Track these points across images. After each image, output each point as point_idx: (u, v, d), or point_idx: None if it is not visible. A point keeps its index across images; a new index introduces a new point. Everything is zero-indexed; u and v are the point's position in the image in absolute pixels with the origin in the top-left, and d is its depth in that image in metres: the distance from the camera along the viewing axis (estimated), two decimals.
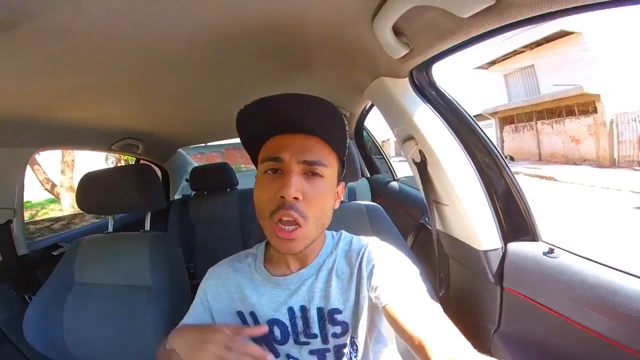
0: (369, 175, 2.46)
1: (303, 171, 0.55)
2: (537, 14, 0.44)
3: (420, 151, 0.88)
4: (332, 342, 0.61)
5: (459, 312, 0.94)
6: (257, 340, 0.62)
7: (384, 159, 2.47)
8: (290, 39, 0.74)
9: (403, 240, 1.02)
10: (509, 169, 0.83)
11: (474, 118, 0.86)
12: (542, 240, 0.81)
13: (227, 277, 0.67)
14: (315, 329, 0.61)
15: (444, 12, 0.51)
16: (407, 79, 0.83)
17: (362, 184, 2.36)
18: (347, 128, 0.59)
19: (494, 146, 0.84)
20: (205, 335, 0.55)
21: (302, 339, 0.61)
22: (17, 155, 1.27)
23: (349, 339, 0.61)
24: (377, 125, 2.38)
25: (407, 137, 0.91)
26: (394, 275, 0.58)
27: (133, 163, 2.44)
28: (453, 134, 0.83)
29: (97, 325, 0.98)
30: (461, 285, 1.01)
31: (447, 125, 0.83)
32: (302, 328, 0.61)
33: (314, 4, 0.59)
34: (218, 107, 1.34)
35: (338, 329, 0.60)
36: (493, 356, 0.42)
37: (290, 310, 0.61)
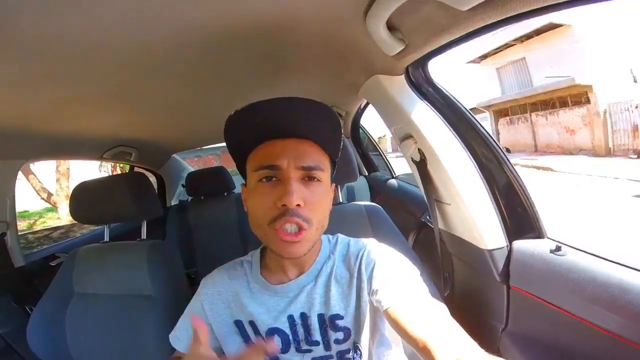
0: (367, 174, 2.45)
1: (301, 177, 0.54)
2: (540, 6, 0.42)
3: (419, 150, 0.86)
4: (335, 349, 0.60)
5: (465, 311, 0.93)
6: None
7: (381, 156, 2.46)
8: (281, 39, 0.72)
9: (405, 241, 1.00)
10: (510, 164, 0.81)
11: (472, 113, 0.84)
12: (547, 237, 0.79)
13: (222, 286, 0.65)
14: (317, 336, 0.60)
15: (441, 5, 0.48)
16: (403, 76, 0.81)
17: (360, 183, 2.34)
18: (342, 129, 0.57)
19: (494, 141, 0.83)
20: None
21: (304, 346, 0.60)
22: (6, 167, 1.25)
23: (351, 344, 0.60)
24: (371, 122, 2.38)
25: (405, 135, 0.89)
26: (394, 277, 0.57)
27: (127, 171, 2.41)
28: (452, 131, 0.81)
29: (100, 335, 0.98)
30: (466, 284, 1.00)
31: (445, 122, 0.81)
32: (304, 336, 0.60)
33: (305, 2, 0.57)
34: (211, 112, 1.32)
35: (340, 335, 0.59)
36: (502, 356, 0.41)
37: (291, 318, 0.60)
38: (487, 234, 0.79)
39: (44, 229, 7.07)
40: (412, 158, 0.91)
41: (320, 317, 0.59)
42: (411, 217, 1.49)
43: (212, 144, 2.23)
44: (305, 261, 0.62)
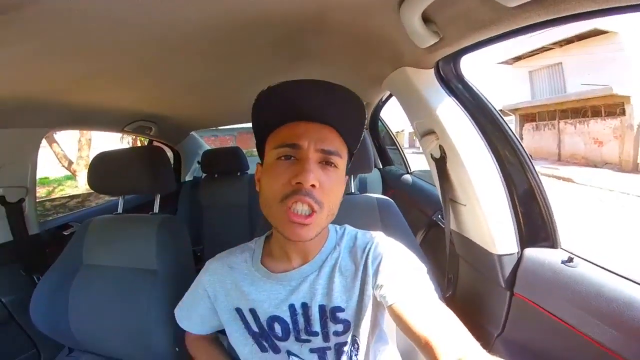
0: (381, 167, 2.42)
1: (319, 160, 0.54)
2: (595, 9, 0.39)
3: (440, 146, 0.84)
4: (333, 340, 0.60)
5: (462, 313, 0.92)
6: (258, 336, 0.61)
7: (399, 150, 2.42)
8: (309, 25, 0.70)
9: (413, 238, 0.99)
10: (535, 171, 0.79)
11: (502, 116, 0.81)
12: (561, 248, 0.77)
13: (221, 274, 0.66)
14: (317, 327, 0.59)
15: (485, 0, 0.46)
16: (432, 70, 0.78)
17: (373, 176, 2.32)
18: (365, 121, 0.56)
19: (522, 146, 0.80)
20: None
21: (303, 336, 0.60)
22: (31, 135, 1.27)
23: (350, 337, 0.59)
24: (388, 116, 2.35)
25: (427, 131, 0.87)
26: (401, 273, 0.56)
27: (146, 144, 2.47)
28: (478, 130, 0.79)
29: (101, 308, 0.99)
30: (469, 287, 0.99)
31: (472, 120, 0.79)
32: (303, 325, 0.60)
33: None
34: (232, 92, 1.32)
35: (340, 327, 0.59)
36: None
37: (292, 307, 0.60)
38: (499, 239, 0.78)
39: (61, 197, 7.33)
40: (431, 154, 0.89)
41: (321, 308, 0.59)
42: (422, 214, 1.47)
43: (230, 124, 2.24)
44: (310, 250, 0.61)
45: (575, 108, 10.24)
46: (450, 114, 0.79)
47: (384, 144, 2.46)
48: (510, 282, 0.78)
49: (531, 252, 0.77)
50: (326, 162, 0.54)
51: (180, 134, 2.28)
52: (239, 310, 0.63)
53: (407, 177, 1.98)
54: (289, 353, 0.61)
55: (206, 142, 2.82)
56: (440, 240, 1.02)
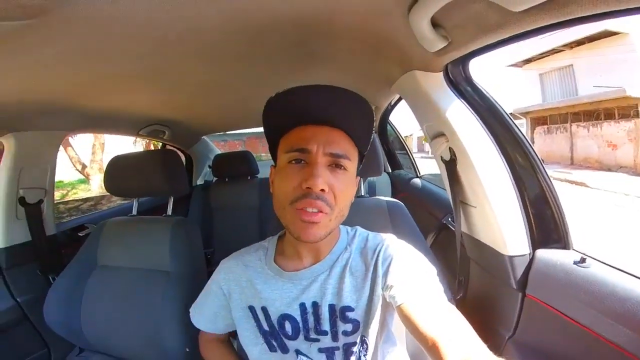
0: (390, 171, 2.42)
1: (328, 163, 0.55)
2: (602, 11, 0.40)
3: (450, 149, 0.85)
4: (342, 340, 0.60)
5: (474, 316, 0.91)
6: (268, 335, 0.62)
7: (408, 154, 2.41)
8: (318, 29, 0.72)
9: (423, 241, 0.99)
10: (545, 172, 0.79)
11: (512, 118, 0.82)
12: (573, 249, 0.77)
13: (237, 272, 0.67)
14: (326, 326, 0.60)
15: (492, 4, 0.47)
16: (441, 73, 0.79)
17: (382, 179, 2.32)
18: (374, 123, 0.58)
19: (532, 148, 0.80)
20: None
21: (313, 335, 0.61)
22: (50, 137, 1.31)
23: (359, 337, 0.60)
24: (397, 121, 2.36)
25: (437, 133, 0.87)
26: (411, 274, 0.57)
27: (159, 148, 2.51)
28: (488, 132, 0.79)
29: (113, 308, 1.00)
30: (480, 289, 0.98)
31: (481, 122, 0.79)
32: (313, 324, 0.61)
33: None
34: (242, 97, 1.34)
35: (349, 327, 0.60)
36: None
37: (302, 306, 0.61)
38: (511, 240, 0.78)
39: (75, 200, 7.49)
40: (441, 157, 0.89)
41: (331, 307, 0.60)
42: (432, 217, 1.47)
43: (241, 129, 2.27)
44: (321, 250, 0.62)
45: (587, 110, 10.06)
46: (460, 117, 0.80)
47: (393, 148, 2.46)
48: (522, 284, 0.78)
49: (543, 253, 0.77)
50: (335, 165, 0.55)
51: (192, 138, 2.32)
52: (251, 309, 0.64)
53: (417, 180, 1.98)
54: (298, 352, 0.62)
55: (216, 146, 2.86)
56: (450, 243, 1.01)
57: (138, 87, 1.05)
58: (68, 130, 1.42)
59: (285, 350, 0.62)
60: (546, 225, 0.79)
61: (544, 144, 11.86)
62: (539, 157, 0.80)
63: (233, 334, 0.73)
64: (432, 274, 0.58)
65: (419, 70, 0.83)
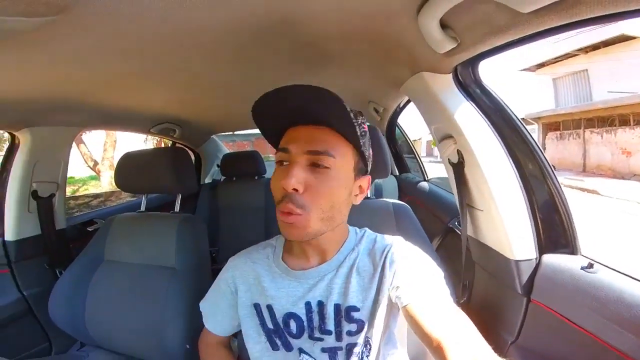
0: (397, 174, 2.41)
1: (308, 162, 0.54)
2: (611, 12, 0.40)
3: (458, 151, 0.85)
4: (346, 340, 0.60)
5: (477, 319, 0.91)
6: (272, 333, 0.63)
7: (416, 158, 2.40)
8: (329, 30, 0.73)
9: (429, 242, 0.99)
10: (555, 177, 0.78)
11: (521, 121, 0.81)
12: (581, 254, 0.76)
13: (245, 269, 0.67)
14: (331, 326, 0.60)
15: (500, 5, 0.47)
16: (450, 75, 0.79)
17: (389, 182, 2.31)
18: (356, 119, 0.56)
19: (542, 152, 0.79)
20: None
21: (317, 334, 0.61)
22: (64, 133, 1.33)
23: (363, 338, 0.60)
24: (406, 123, 2.34)
25: (445, 135, 0.87)
26: (418, 276, 0.56)
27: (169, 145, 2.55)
28: (497, 135, 0.79)
29: (117, 303, 1.01)
30: (484, 293, 0.98)
31: (490, 125, 0.79)
32: (318, 323, 0.61)
33: None
34: (252, 96, 1.33)
35: (353, 327, 0.60)
36: None
37: (308, 304, 0.61)
38: (517, 244, 0.77)
39: (84, 195, 7.63)
40: (449, 159, 0.89)
41: (337, 307, 0.60)
42: (438, 221, 1.46)
43: (251, 128, 2.29)
44: (327, 250, 0.62)
45: (601, 117, 9.85)
46: (468, 119, 0.80)
47: (401, 151, 2.46)
48: (527, 289, 0.77)
49: (549, 258, 0.76)
50: (314, 164, 0.54)
51: (202, 137, 2.35)
52: (256, 306, 0.64)
53: (424, 184, 1.97)
54: (301, 351, 0.62)
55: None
56: (456, 247, 1.01)
57: (151, 85, 1.07)
58: (82, 127, 1.45)
59: (288, 348, 0.62)
60: (554, 230, 0.78)
61: (555, 150, 11.65)
62: (548, 160, 0.79)
63: (235, 334, 0.73)
64: (439, 277, 0.58)
65: (427, 72, 0.83)
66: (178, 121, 1.77)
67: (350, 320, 0.60)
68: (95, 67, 0.82)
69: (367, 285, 0.60)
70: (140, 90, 1.12)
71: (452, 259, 1.16)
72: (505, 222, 0.77)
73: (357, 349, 0.60)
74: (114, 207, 2.15)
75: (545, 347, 0.73)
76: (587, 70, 10.75)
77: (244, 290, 0.66)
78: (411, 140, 2.51)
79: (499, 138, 0.79)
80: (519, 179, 0.78)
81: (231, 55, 0.86)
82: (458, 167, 0.87)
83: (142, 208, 1.26)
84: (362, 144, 0.57)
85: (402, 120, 2.14)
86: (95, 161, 8.21)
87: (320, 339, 0.61)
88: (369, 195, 1.12)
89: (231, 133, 3.16)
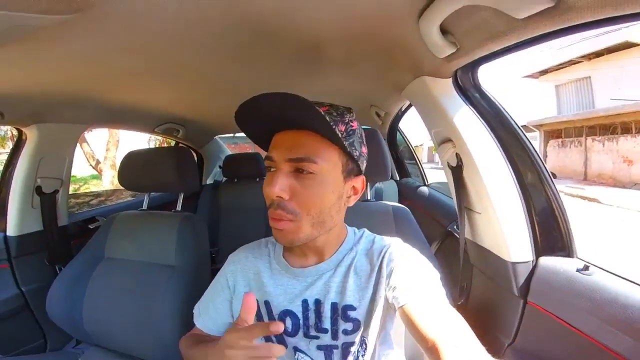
0: (397, 179, 2.42)
1: (292, 169, 0.54)
2: (601, 17, 0.41)
3: (457, 155, 0.86)
4: (342, 339, 0.60)
5: (474, 322, 0.91)
6: None
7: (417, 163, 2.42)
8: (332, 34, 0.74)
9: (427, 245, 1.00)
10: (552, 181, 0.79)
11: (520, 126, 0.82)
12: (577, 257, 0.77)
13: (246, 264, 0.68)
14: (327, 324, 0.60)
15: (497, 12, 0.49)
16: (450, 80, 0.81)
17: (389, 186, 2.32)
18: (343, 117, 0.57)
19: (539, 157, 0.81)
20: (225, 347, 0.48)
21: (312, 332, 0.61)
22: (70, 130, 1.34)
23: (359, 337, 0.60)
24: (408, 130, 2.36)
25: (445, 139, 0.89)
26: (414, 276, 0.57)
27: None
28: (495, 139, 0.80)
29: (115, 300, 1.01)
30: (482, 296, 0.98)
31: (488, 129, 0.80)
32: (314, 322, 0.61)
33: (359, 1, 0.59)
34: None
35: (349, 326, 0.60)
36: None
37: (305, 302, 0.61)
38: (514, 246, 0.78)
39: (86, 194, 7.62)
40: (448, 162, 0.90)
41: (334, 305, 0.60)
42: (438, 225, 1.47)
43: None
44: (325, 250, 0.63)
45: (604, 124, 9.85)
46: (467, 123, 0.81)
47: (402, 156, 2.47)
48: (524, 291, 0.78)
49: (546, 261, 0.77)
50: (300, 170, 0.54)
51: (205, 137, 2.37)
52: None
53: (424, 188, 1.98)
54: (296, 349, 0.62)
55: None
56: (454, 251, 1.01)
57: (157, 84, 1.09)
58: (88, 124, 1.46)
59: (284, 345, 0.62)
60: (550, 233, 0.79)
61: (557, 158, 11.64)
62: (545, 166, 0.80)
63: None
64: (436, 278, 0.59)
65: (428, 76, 0.84)
66: (182, 121, 1.78)
67: (347, 319, 0.60)
68: (106, 64, 0.84)
69: (364, 285, 0.60)
70: (147, 88, 1.13)
71: (451, 262, 1.16)
72: (502, 224, 0.78)
73: (353, 348, 0.60)
74: (116, 205, 2.16)
75: (541, 349, 0.74)
76: (590, 77, 10.77)
77: (243, 285, 0.66)
78: (413, 146, 2.53)
79: (497, 142, 0.80)
80: (516, 182, 0.79)
81: (236, 56, 0.87)
82: (457, 171, 0.88)
83: (144, 206, 1.27)
84: (348, 144, 0.56)
85: (404, 126, 2.16)
86: (97, 160, 8.25)
87: (316, 337, 0.61)
88: (369, 198, 1.13)
89: (233, 135, 3.18)
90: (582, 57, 10.49)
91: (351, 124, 0.58)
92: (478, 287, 1.00)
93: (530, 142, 0.81)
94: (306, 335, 0.61)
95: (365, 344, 0.61)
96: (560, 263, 0.74)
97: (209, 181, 2.63)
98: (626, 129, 9.36)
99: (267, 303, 0.63)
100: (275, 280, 0.64)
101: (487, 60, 0.67)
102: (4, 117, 1.06)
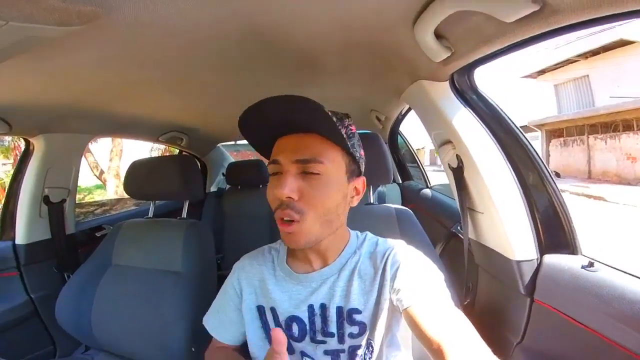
0: (400, 182, 2.43)
1: (299, 170, 0.56)
2: (584, 19, 0.43)
3: (457, 156, 0.87)
4: (348, 343, 0.61)
5: (481, 322, 0.91)
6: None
7: (419, 166, 2.42)
8: (331, 43, 0.76)
9: (432, 247, 1.00)
10: (552, 179, 0.80)
11: (517, 125, 0.83)
12: (581, 254, 0.77)
13: (251, 271, 0.68)
14: (333, 328, 0.61)
15: (488, 16, 0.50)
16: (447, 82, 0.82)
17: (392, 190, 2.33)
18: (342, 122, 0.58)
19: (537, 155, 0.82)
20: None
21: (319, 337, 0.61)
22: (77, 140, 1.37)
23: (365, 340, 0.60)
24: (409, 133, 2.37)
25: (445, 141, 0.90)
26: (418, 278, 0.57)
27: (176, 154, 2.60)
28: (493, 139, 0.81)
29: (123, 306, 1.02)
30: (488, 295, 0.98)
31: (487, 129, 0.81)
32: (320, 326, 0.61)
33: (355, 7, 0.60)
34: None
35: (355, 329, 0.60)
36: None
37: (311, 308, 0.61)
38: (518, 245, 0.78)
39: (90, 204, 7.66)
40: (449, 164, 0.91)
41: (339, 309, 0.60)
42: (441, 227, 1.47)
43: None
44: (329, 253, 0.63)
45: (605, 122, 9.82)
46: (466, 124, 0.82)
47: (404, 159, 2.48)
48: (530, 289, 0.78)
49: (550, 258, 0.77)
50: (307, 172, 0.55)
51: (208, 145, 2.40)
52: (260, 308, 0.65)
53: (427, 191, 1.98)
54: (303, 354, 0.62)
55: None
56: (459, 252, 1.01)
57: (162, 94, 1.11)
58: (94, 134, 1.49)
59: (290, 351, 0.62)
60: (553, 230, 0.79)
61: (560, 157, 11.59)
62: (546, 165, 0.81)
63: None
64: (440, 279, 0.59)
65: (426, 80, 0.86)
66: (185, 129, 1.81)
67: (352, 322, 0.60)
68: (113, 75, 0.86)
69: (369, 288, 0.60)
70: (152, 98, 1.16)
71: (456, 263, 1.16)
72: (505, 223, 0.79)
73: (359, 352, 0.60)
74: (123, 214, 2.19)
75: (550, 347, 0.73)
76: (588, 75, 10.78)
77: (248, 293, 0.66)
78: (414, 149, 2.54)
79: (495, 142, 0.81)
80: (516, 180, 0.80)
81: (238, 67, 0.90)
82: (458, 172, 0.89)
83: (150, 214, 1.29)
84: (350, 145, 0.58)
85: (406, 130, 2.17)
86: (101, 170, 8.32)
87: (323, 342, 0.61)
88: (372, 201, 1.13)
89: (234, 143, 3.20)
90: (579, 55, 10.53)
91: (350, 127, 0.60)
92: (484, 287, 1.00)
93: (528, 141, 0.82)
94: (313, 340, 0.62)
95: (372, 347, 0.61)
96: (565, 260, 0.74)
97: (213, 189, 2.65)
98: (628, 126, 9.32)
99: (272, 310, 0.64)
100: (280, 286, 0.64)
101: (482, 62, 0.69)
102: (11, 127, 1.09)
